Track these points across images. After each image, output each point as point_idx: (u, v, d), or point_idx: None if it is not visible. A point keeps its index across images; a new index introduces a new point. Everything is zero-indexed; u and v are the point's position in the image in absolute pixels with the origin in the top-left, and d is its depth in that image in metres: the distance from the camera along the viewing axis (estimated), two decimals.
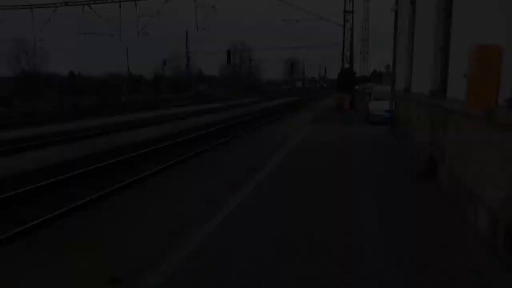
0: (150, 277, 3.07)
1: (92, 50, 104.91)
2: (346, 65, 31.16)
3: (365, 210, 4.75)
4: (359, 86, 64.89)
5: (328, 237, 3.86)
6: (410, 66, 9.47)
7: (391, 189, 5.66)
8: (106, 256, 3.76)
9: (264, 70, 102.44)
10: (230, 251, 3.53)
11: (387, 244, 3.74)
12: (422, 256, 3.46)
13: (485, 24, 4.00)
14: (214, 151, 10.13)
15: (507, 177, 3.32)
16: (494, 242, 3.50)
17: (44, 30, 32.42)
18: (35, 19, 31.81)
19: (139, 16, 29.02)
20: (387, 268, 3.22)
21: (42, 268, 3.60)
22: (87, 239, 4.32)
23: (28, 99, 39.25)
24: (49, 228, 4.86)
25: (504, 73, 3.44)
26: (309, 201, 5.06)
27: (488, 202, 3.69)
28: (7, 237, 4.60)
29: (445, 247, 3.64)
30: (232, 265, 3.25)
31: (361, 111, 22.98)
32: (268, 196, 5.32)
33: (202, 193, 5.71)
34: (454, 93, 4.97)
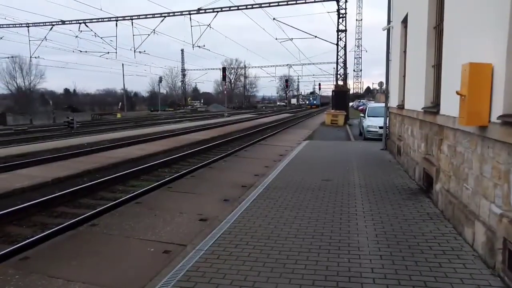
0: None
1: (88, 67, 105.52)
2: (340, 82, 31.56)
3: (359, 224, 4.70)
4: (353, 103, 65.58)
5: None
6: (403, 83, 9.60)
7: (385, 204, 5.63)
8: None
9: (259, 87, 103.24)
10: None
11: (384, 265, 3.68)
12: (420, 275, 3.41)
13: (476, 42, 4.07)
14: (210, 168, 10.07)
15: (502, 193, 3.32)
16: (492, 259, 3.47)
17: (40, 47, 32.49)
18: (32, 36, 32.05)
19: (135, 34, 29.26)
20: None
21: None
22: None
23: (23, 116, 39.14)
24: None
25: (497, 90, 3.48)
26: (304, 214, 5.02)
27: (485, 218, 3.68)
28: None
29: (441, 266, 3.60)
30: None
31: (355, 127, 23.19)
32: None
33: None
34: (447, 110, 5.01)
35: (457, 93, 3.89)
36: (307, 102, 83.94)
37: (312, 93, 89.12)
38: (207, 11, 28.07)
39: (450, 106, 4.73)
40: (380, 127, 13.76)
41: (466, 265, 3.59)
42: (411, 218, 5.01)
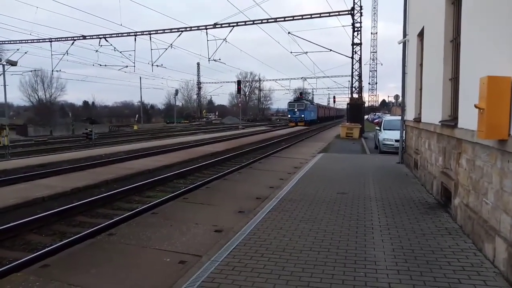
0: None
1: (107, 80, 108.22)
2: (355, 95, 31.46)
3: (375, 238, 4.64)
4: (368, 116, 65.14)
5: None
6: (419, 96, 9.53)
7: (403, 218, 5.55)
8: None
9: (274, 99, 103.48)
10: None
11: (402, 280, 3.62)
12: None
13: (494, 55, 4.05)
14: (225, 180, 10.13)
15: None
16: None
17: (62, 61, 33.55)
18: (54, 50, 33.16)
19: (153, 49, 29.97)
20: None
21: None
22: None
23: (43, 127, 40.23)
24: None
25: None
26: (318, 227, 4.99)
27: (506, 234, 3.59)
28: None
29: (460, 282, 3.52)
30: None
31: (371, 140, 22.98)
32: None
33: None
34: (465, 123, 4.96)
35: (476, 106, 3.86)
36: (289, 115, 50.70)
37: (298, 99, 53.30)
38: (223, 25, 28.62)
39: (468, 119, 4.68)
40: (396, 140, 13.63)
41: (486, 282, 3.50)
42: (429, 233, 4.92)
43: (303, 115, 48.46)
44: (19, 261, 4.75)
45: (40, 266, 4.28)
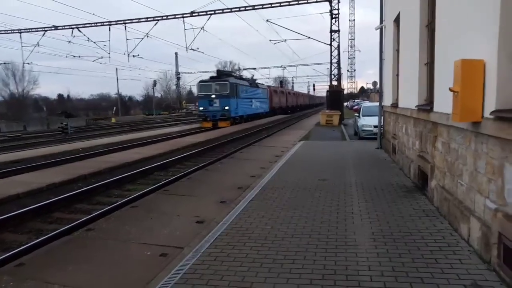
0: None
1: (82, 72, 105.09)
2: (334, 83, 31.66)
3: (355, 223, 4.71)
4: (347, 103, 65.76)
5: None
6: (396, 82, 9.65)
7: (382, 202, 5.65)
8: None
9: None
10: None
11: (381, 262, 3.69)
12: (416, 272, 3.42)
13: (468, 39, 4.11)
14: (206, 171, 10.05)
15: (496, 188, 3.34)
16: (487, 254, 3.49)
17: (33, 53, 32.32)
18: (25, 42, 31.86)
19: (129, 38, 29.18)
20: None
21: None
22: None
23: (16, 123, 38.85)
24: None
25: (489, 85, 3.51)
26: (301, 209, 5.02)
27: (480, 214, 3.70)
28: None
29: (437, 262, 3.61)
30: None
31: (350, 127, 23.26)
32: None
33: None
34: (440, 107, 5.05)
35: (450, 89, 3.92)
36: (200, 106, 28.38)
37: (219, 76, 29.68)
38: (200, 14, 28.08)
39: (443, 103, 4.76)
40: (375, 126, 13.83)
41: (462, 261, 3.60)
42: (407, 216, 5.03)
43: (227, 107, 26.90)
44: None
45: (15, 265, 4.15)
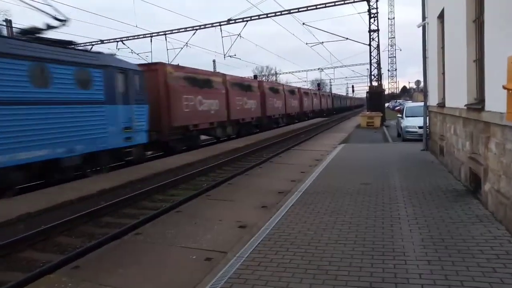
0: None
1: None
2: (375, 83, 30.86)
3: (402, 229, 4.53)
4: (389, 103, 63.67)
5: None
6: (442, 80, 9.22)
7: (430, 207, 5.39)
8: None
9: None
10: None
11: (433, 271, 3.52)
12: (472, 281, 3.23)
13: None
14: (246, 175, 10.13)
15: None
16: None
17: None
18: None
19: (169, 48, 30.19)
20: None
21: None
22: None
23: None
24: None
25: None
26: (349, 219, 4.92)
27: None
28: None
29: (495, 271, 3.39)
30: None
31: (393, 128, 22.49)
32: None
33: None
34: (493, 106, 4.75)
35: (504, 87, 3.69)
36: None
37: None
38: (236, 21, 28.51)
39: (496, 101, 4.49)
40: (420, 127, 13.28)
41: None
42: (459, 221, 4.76)
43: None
44: (51, 263, 4.90)
45: (72, 267, 4.40)
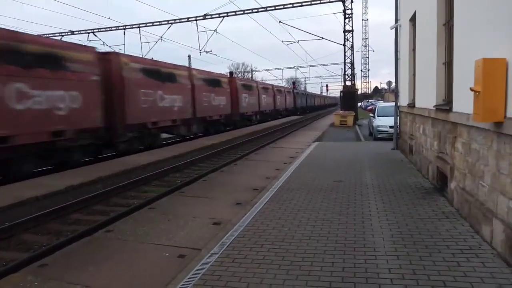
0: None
1: None
2: (348, 83, 31.44)
3: (373, 225, 4.65)
4: (361, 103, 65.10)
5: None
6: (413, 81, 9.52)
7: (400, 204, 5.57)
8: None
9: None
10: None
11: (401, 265, 3.64)
12: (438, 275, 3.36)
13: (488, 37, 4.02)
14: (221, 172, 10.09)
15: None
16: (511, 256, 3.40)
17: None
18: None
19: (143, 42, 29.54)
20: None
21: None
22: None
23: None
24: None
25: (511, 84, 3.43)
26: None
27: (503, 215, 3.61)
28: None
29: (459, 265, 3.54)
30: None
31: (365, 127, 23.05)
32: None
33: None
34: (460, 107, 4.95)
35: (471, 89, 3.84)
36: None
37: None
38: (213, 16, 28.28)
39: (463, 103, 4.67)
40: (391, 127, 13.67)
41: (485, 264, 3.53)
42: (427, 218, 4.95)
43: None
44: (16, 262, 4.70)
45: (38, 265, 4.23)
